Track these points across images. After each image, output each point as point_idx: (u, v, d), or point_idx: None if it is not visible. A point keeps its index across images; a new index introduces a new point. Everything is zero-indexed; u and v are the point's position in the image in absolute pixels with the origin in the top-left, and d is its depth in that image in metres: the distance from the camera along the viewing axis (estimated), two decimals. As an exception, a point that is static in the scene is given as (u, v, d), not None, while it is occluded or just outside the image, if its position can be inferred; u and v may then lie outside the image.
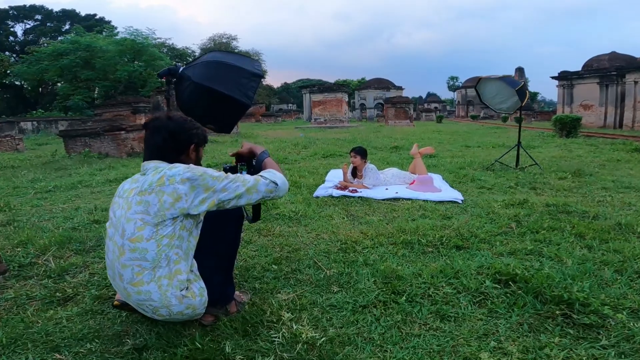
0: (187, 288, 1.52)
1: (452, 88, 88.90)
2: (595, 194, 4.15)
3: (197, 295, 1.56)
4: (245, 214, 1.91)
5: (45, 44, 33.04)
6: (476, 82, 5.90)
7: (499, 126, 21.68)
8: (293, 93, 60.91)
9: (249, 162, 1.86)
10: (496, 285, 2.09)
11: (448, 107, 53.55)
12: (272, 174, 1.60)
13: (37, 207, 4.09)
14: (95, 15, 44.36)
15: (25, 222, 3.50)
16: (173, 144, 1.57)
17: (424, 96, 72.79)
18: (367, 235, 2.89)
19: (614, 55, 23.42)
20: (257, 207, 1.92)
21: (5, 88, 36.86)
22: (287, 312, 1.87)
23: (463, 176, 5.12)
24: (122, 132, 8.71)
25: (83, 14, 44.04)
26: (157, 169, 1.50)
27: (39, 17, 41.67)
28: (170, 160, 1.55)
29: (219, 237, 1.72)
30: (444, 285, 2.14)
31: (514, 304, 1.92)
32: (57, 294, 2.18)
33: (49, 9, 42.11)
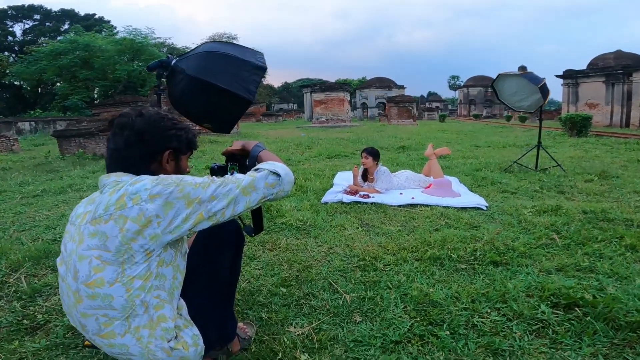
0: (176, 337, 1.15)
1: (453, 87, 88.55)
2: (629, 199, 3.79)
3: (191, 345, 1.19)
4: (242, 224, 1.55)
5: (45, 44, 32.71)
6: (494, 79, 5.52)
7: (504, 125, 21.32)
8: (293, 92, 60.48)
9: (242, 163, 1.49)
10: (556, 311, 1.75)
11: (450, 106, 53.15)
12: (271, 165, 1.22)
13: (20, 214, 3.73)
14: (94, 14, 43.97)
15: (3, 232, 3.15)
16: (140, 149, 1.15)
17: (425, 95, 72.39)
18: (388, 250, 2.53)
19: (619, 54, 23.09)
20: (258, 216, 1.52)
21: (4, 88, 36.53)
22: (304, 353, 1.52)
23: (481, 179, 4.76)
24: (118, 132, 8.33)
25: (82, 13, 43.68)
26: (117, 185, 1.10)
27: (37, 16, 41.29)
28: (137, 171, 1.14)
29: (213, 267, 1.35)
30: (490, 311, 1.79)
31: (582, 333, 1.59)
32: (25, 320, 1.85)
33: (48, 8, 41.74)
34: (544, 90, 5.01)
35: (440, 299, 1.90)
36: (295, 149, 8.88)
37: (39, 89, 35.79)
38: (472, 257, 2.36)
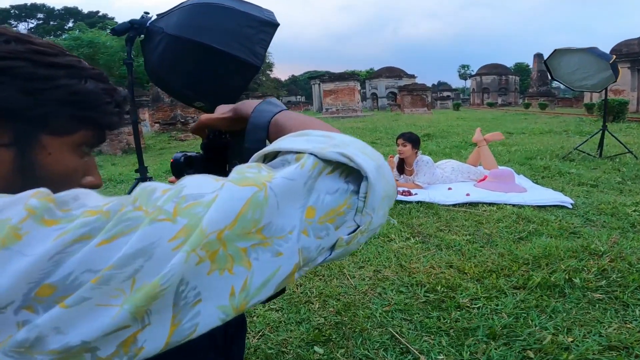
0: None
1: (463, 76, 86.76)
2: None
3: None
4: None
5: (49, 42, 32.69)
6: (549, 55, 4.65)
7: (526, 112, 20.20)
8: (301, 85, 59.48)
9: (235, 150, 0.56)
10: None
11: (461, 95, 51.77)
12: (324, 140, 0.35)
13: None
14: (98, 12, 43.55)
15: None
16: None
17: (435, 84, 70.95)
18: (465, 273, 1.72)
19: (643, 39, 21.90)
20: None
21: (10, 88, 36.55)
22: None
23: (542, 168, 3.91)
24: (115, 126, 7.62)
25: (85, 11, 43.30)
26: None
27: (41, 15, 41.05)
28: None
29: None
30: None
31: None
32: None
33: (51, 7, 41.46)
34: (615, 67, 4.18)
35: (595, 354, 1.10)
36: (308, 141, 8.07)
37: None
38: (606, 281, 1.54)
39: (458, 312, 1.43)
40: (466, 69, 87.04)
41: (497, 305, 1.46)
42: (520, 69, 57.40)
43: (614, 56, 4.27)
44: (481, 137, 3.77)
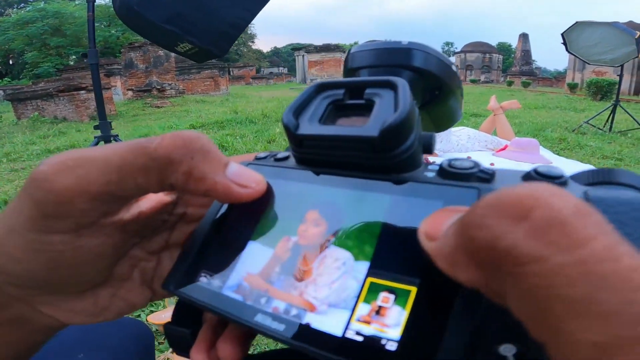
0: None
1: (447, 53, 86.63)
2: None
3: None
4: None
5: (12, 15, 30.75)
6: (568, 28, 4.40)
7: (511, 89, 20.16)
8: (283, 57, 57.78)
9: None
10: None
11: (445, 74, 51.63)
12: None
13: None
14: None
15: None
16: None
17: (418, 63, 70.60)
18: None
19: (631, 25, 22.17)
20: None
21: (-27, 61, 34.07)
22: None
23: (558, 140, 3.64)
24: (82, 91, 6.93)
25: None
26: None
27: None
28: None
29: None
30: None
31: None
32: None
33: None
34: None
35: None
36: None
37: (10, 60, 33.57)
38: None
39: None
40: (450, 46, 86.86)
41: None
42: (503, 48, 57.65)
43: (638, 32, 4.09)
44: (497, 104, 3.44)
